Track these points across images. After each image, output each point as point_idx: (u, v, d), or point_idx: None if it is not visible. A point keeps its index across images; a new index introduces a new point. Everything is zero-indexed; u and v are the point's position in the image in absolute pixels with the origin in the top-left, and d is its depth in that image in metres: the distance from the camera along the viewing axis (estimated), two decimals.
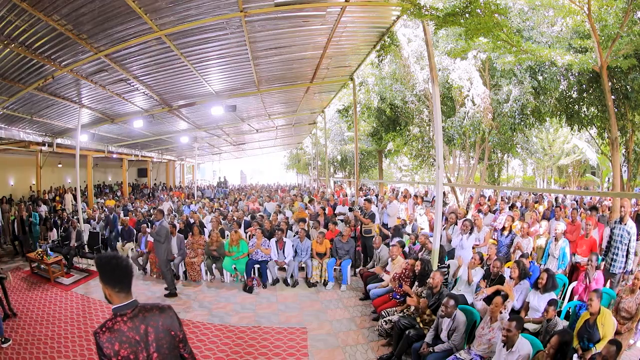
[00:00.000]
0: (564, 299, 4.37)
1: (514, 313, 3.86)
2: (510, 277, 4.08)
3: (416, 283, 4.38)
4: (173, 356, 1.73)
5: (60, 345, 4.16)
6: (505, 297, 3.64)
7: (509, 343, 2.82)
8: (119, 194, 17.34)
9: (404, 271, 4.74)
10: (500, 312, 3.31)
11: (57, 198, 13.28)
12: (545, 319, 3.38)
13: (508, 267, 4.48)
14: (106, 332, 1.54)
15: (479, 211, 7.62)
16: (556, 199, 11.79)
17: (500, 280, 4.21)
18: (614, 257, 4.67)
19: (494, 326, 3.28)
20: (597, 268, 4.23)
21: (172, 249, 6.23)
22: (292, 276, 6.33)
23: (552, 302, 3.39)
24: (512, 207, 7.68)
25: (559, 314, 3.78)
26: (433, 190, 15.10)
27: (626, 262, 4.62)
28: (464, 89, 9.29)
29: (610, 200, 9.36)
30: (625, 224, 4.67)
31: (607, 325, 3.14)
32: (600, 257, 4.92)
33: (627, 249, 4.61)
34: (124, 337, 1.56)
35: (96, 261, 1.69)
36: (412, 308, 4.13)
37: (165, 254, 5.84)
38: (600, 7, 6.36)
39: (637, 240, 4.86)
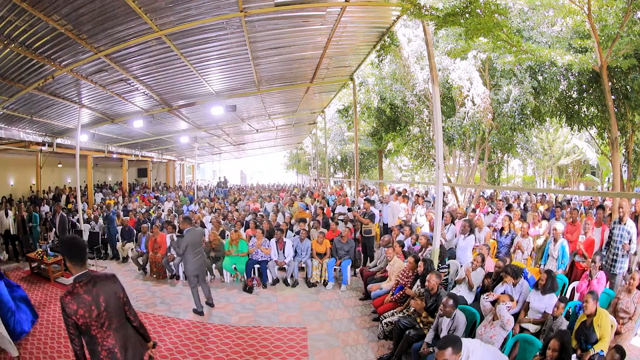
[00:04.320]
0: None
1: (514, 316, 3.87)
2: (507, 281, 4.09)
3: (418, 283, 4.38)
4: (119, 315, 2.18)
5: (60, 345, 4.15)
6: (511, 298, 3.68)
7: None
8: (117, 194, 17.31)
9: (404, 272, 4.74)
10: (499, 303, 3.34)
11: (72, 199, 13.25)
12: (553, 315, 3.38)
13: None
14: (68, 296, 2.01)
15: (473, 211, 7.62)
16: (557, 199, 11.78)
17: (501, 280, 4.21)
18: (615, 257, 4.67)
19: (496, 323, 3.29)
20: (600, 268, 4.23)
21: (203, 262, 5.17)
22: (292, 276, 6.33)
23: (562, 299, 3.40)
24: (509, 208, 7.68)
25: None
26: (433, 190, 15.11)
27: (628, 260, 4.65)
28: (464, 89, 9.30)
29: (610, 200, 9.36)
30: (624, 224, 4.68)
31: (604, 326, 3.14)
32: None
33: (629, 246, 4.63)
34: (81, 298, 2.02)
35: (60, 241, 2.31)
36: (412, 308, 4.13)
37: (193, 268, 4.95)
38: (600, 7, 6.36)
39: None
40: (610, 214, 7.10)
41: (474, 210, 7.56)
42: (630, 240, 4.63)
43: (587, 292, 3.41)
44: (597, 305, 3.24)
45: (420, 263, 4.40)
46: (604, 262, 4.80)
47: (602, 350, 3.01)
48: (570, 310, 3.81)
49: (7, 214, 8.02)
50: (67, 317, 2.00)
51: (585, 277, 4.26)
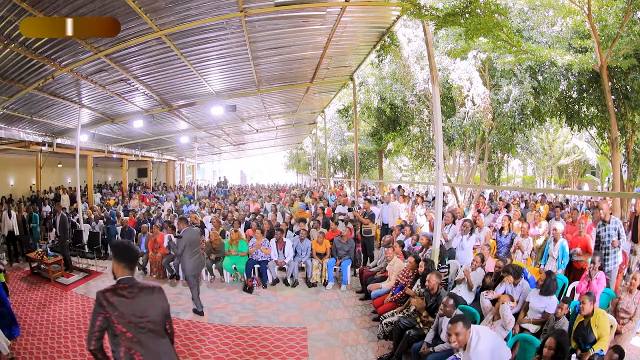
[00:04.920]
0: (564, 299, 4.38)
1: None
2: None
3: (418, 283, 4.38)
4: (160, 326, 2.12)
5: (60, 345, 4.16)
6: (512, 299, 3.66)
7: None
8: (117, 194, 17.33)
9: (404, 272, 4.74)
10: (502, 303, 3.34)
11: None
12: (555, 316, 3.38)
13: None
14: (109, 292, 1.97)
15: (478, 211, 7.62)
16: (561, 202, 11.77)
17: (501, 280, 4.21)
18: (606, 257, 4.71)
19: (496, 323, 3.28)
20: (600, 268, 4.23)
21: (200, 262, 5.21)
22: (292, 276, 6.33)
23: (565, 300, 3.41)
24: (507, 207, 7.69)
25: None
26: (433, 190, 15.11)
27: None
28: (464, 89, 9.30)
29: (611, 200, 9.34)
30: (609, 224, 4.75)
31: (602, 325, 3.15)
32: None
33: (619, 240, 4.70)
34: (123, 298, 1.98)
35: (113, 242, 2.30)
36: (412, 308, 4.13)
37: (191, 267, 4.95)
38: (600, 7, 6.37)
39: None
40: (611, 214, 7.10)
41: (478, 211, 7.55)
42: (618, 234, 4.68)
43: (584, 293, 3.42)
44: (595, 306, 3.24)
45: (421, 263, 4.40)
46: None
47: (601, 350, 3.01)
48: (570, 311, 3.82)
49: (10, 215, 7.98)
50: (102, 310, 1.91)
51: (584, 278, 4.26)
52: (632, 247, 5.74)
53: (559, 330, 2.89)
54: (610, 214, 5.04)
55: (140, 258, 7.15)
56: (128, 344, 1.94)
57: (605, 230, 4.77)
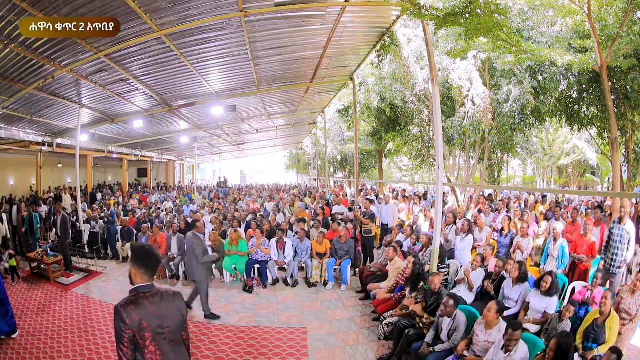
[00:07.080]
0: (563, 299, 4.37)
1: (514, 316, 3.87)
2: (510, 276, 4.07)
3: (408, 289, 4.35)
4: (178, 334, 2.01)
5: (60, 345, 4.16)
6: (502, 308, 3.34)
7: (507, 348, 2.82)
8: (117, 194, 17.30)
9: (403, 272, 4.74)
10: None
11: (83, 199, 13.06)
12: (560, 318, 3.36)
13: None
14: (130, 305, 1.81)
15: (479, 211, 7.61)
16: (557, 200, 11.78)
17: (502, 280, 4.21)
18: (614, 257, 4.66)
19: (490, 332, 3.21)
20: (601, 285, 4.17)
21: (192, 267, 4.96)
22: (292, 276, 6.33)
23: (572, 303, 3.39)
24: (508, 206, 7.69)
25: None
26: (433, 190, 15.10)
27: (625, 256, 4.61)
28: (464, 89, 9.29)
29: (610, 200, 9.35)
30: (624, 225, 4.64)
31: (614, 329, 3.13)
32: (599, 257, 4.93)
33: (627, 248, 4.61)
34: (145, 310, 1.83)
35: (133, 245, 2.02)
36: (410, 308, 4.13)
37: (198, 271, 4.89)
38: (600, 7, 6.36)
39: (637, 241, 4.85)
40: (610, 214, 7.09)
41: (480, 211, 7.55)
42: (629, 241, 4.61)
43: (607, 289, 3.37)
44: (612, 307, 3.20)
45: (410, 265, 4.34)
46: (602, 262, 4.80)
47: (604, 353, 3.00)
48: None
49: (2, 220, 7.79)
50: (125, 329, 1.76)
51: (584, 288, 4.20)
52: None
53: (563, 333, 2.87)
54: (611, 214, 5.01)
55: None
56: (151, 357, 1.84)
57: (618, 230, 4.63)
